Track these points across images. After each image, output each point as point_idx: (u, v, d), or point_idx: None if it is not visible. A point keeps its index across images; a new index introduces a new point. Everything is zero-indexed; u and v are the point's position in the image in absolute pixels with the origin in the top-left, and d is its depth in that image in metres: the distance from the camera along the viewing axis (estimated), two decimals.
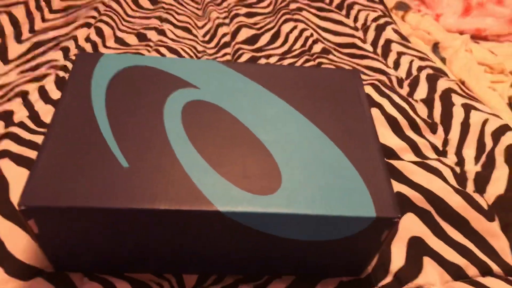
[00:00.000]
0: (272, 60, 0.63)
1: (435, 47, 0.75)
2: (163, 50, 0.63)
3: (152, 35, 0.68)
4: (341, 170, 0.33)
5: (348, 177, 0.33)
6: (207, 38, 0.70)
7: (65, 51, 0.61)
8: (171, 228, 0.31)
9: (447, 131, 0.49)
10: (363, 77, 0.59)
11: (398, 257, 0.38)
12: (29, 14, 0.69)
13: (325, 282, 0.37)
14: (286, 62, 0.62)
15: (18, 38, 0.63)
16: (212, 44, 0.68)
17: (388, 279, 0.37)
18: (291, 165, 0.33)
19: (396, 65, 0.63)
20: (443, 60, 0.72)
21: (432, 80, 0.58)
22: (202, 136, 0.34)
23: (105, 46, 0.65)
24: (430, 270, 0.37)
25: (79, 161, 0.31)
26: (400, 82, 0.58)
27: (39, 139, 0.44)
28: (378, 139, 0.36)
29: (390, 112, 0.49)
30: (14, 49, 0.60)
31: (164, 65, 0.39)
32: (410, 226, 0.40)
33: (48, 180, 0.30)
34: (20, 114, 0.48)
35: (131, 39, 0.68)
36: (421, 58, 0.64)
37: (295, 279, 0.37)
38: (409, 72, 0.61)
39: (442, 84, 0.56)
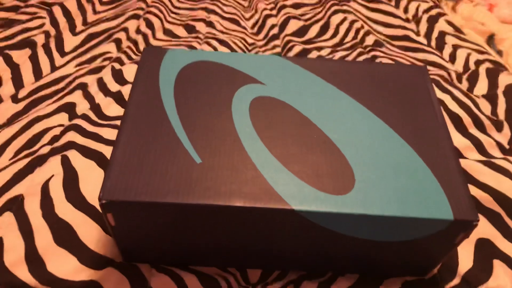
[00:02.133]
0: (324, 52, 0.62)
1: (491, 39, 0.72)
2: (213, 42, 0.63)
3: (200, 27, 0.68)
4: (415, 170, 0.32)
5: (423, 178, 0.32)
6: (255, 30, 0.70)
7: (117, 43, 0.62)
8: (241, 224, 0.32)
9: None
10: None
11: (465, 258, 0.37)
12: (80, 7, 0.70)
13: (389, 282, 0.37)
14: (338, 54, 0.61)
15: (73, 31, 0.64)
16: (261, 36, 0.68)
17: (456, 281, 0.36)
18: (363, 164, 0.32)
19: (452, 58, 0.61)
20: (499, 52, 0.69)
21: (492, 75, 0.55)
22: (271, 133, 0.34)
23: (155, 38, 0.66)
24: (501, 273, 0.36)
25: (154, 156, 0.32)
26: (459, 77, 0.56)
27: (102, 131, 0.45)
28: (450, 138, 0.35)
29: (452, 108, 0.48)
30: (69, 42, 0.62)
31: (228, 60, 0.39)
32: (477, 227, 0.39)
33: (126, 175, 0.30)
34: (82, 106, 0.49)
35: (180, 31, 0.68)
36: (478, 51, 0.62)
37: (359, 277, 0.37)
38: (466, 66, 0.59)
39: (504, 79, 0.54)
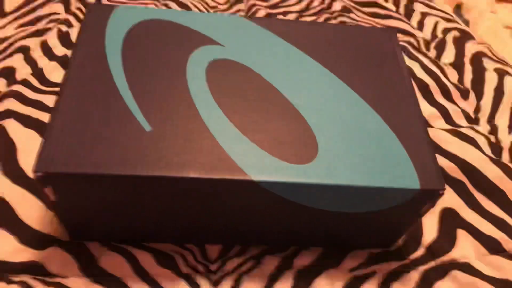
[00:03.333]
0: (290, 18, 0.59)
1: (458, 8, 0.71)
2: (172, 5, 0.59)
3: None
4: (381, 138, 0.31)
5: (389, 146, 0.30)
6: None
7: (66, 3, 0.57)
8: (197, 197, 0.29)
9: (479, 97, 0.47)
10: None
11: (430, 229, 0.37)
12: None
13: (353, 254, 0.35)
14: (305, 20, 0.58)
15: None
16: (223, 0, 0.64)
17: (420, 252, 0.36)
18: (327, 132, 0.30)
19: (421, 26, 0.60)
20: (466, 22, 0.68)
21: (459, 43, 0.54)
22: (229, 98, 0.31)
23: None
24: (464, 243, 0.36)
25: (97, 124, 0.28)
26: (427, 44, 0.55)
27: (45, 98, 0.41)
28: (418, 105, 0.33)
29: (420, 76, 0.47)
30: (11, 1, 0.56)
31: (183, 19, 0.36)
32: (442, 197, 0.38)
33: (65, 145, 0.27)
34: (23, 71, 0.44)
35: None
36: (446, 20, 0.60)
37: (322, 251, 0.35)
38: (434, 34, 0.58)
39: (471, 48, 0.53)
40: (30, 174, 0.35)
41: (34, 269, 0.31)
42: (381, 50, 0.37)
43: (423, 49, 0.54)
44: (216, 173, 0.27)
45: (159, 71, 0.32)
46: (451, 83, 0.48)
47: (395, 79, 0.35)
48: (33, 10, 0.55)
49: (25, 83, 0.42)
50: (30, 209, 0.34)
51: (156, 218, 0.31)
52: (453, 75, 0.49)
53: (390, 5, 0.64)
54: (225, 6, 0.62)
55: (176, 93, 0.31)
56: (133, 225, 0.32)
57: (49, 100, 0.41)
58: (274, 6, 0.62)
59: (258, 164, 0.28)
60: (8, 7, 0.55)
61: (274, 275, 0.33)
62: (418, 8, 0.63)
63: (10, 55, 0.45)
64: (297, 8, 0.61)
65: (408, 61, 0.49)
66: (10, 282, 0.30)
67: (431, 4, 0.64)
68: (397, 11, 0.63)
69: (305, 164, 0.29)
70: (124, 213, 0.31)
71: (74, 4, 0.57)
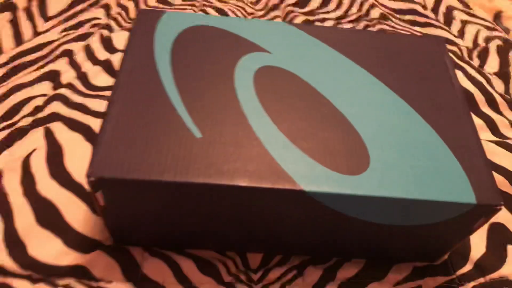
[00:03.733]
0: (327, 25, 0.58)
1: (498, 16, 0.69)
2: (210, 10, 0.59)
3: None
4: (434, 150, 0.30)
5: (443, 158, 0.29)
6: None
7: (106, 8, 0.58)
8: (244, 206, 0.29)
9: None
10: None
11: (477, 244, 0.35)
12: None
13: (397, 268, 0.35)
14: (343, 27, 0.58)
15: None
16: (260, 6, 0.64)
17: (468, 267, 0.34)
18: (378, 142, 0.30)
19: (461, 34, 0.58)
20: (506, 30, 0.66)
21: (503, 52, 0.53)
22: (277, 106, 0.31)
23: (147, 5, 0.61)
24: None
25: (148, 130, 0.28)
26: (469, 53, 0.54)
27: (90, 102, 0.41)
28: (470, 115, 0.32)
29: (465, 85, 0.45)
30: (54, 6, 0.57)
31: (230, 26, 0.36)
32: None
33: (117, 151, 0.27)
34: (68, 74, 0.45)
35: None
36: (487, 28, 0.59)
37: (366, 263, 0.35)
38: (475, 43, 0.56)
39: None
40: (77, 178, 0.36)
41: (78, 272, 0.31)
42: (429, 59, 0.36)
43: (466, 57, 0.53)
44: (266, 182, 0.27)
45: (207, 77, 0.32)
46: (497, 93, 0.46)
47: (446, 89, 0.34)
48: (75, 15, 0.56)
49: (71, 86, 0.43)
50: (76, 212, 0.34)
51: (199, 224, 0.31)
52: (498, 84, 0.48)
53: (429, 13, 0.62)
54: (262, 12, 0.62)
55: (225, 100, 0.31)
56: (176, 231, 0.32)
57: (94, 104, 0.41)
58: (311, 13, 0.62)
59: (309, 174, 0.28)
60: (51, 11, 0.56)
61: (317, 286, 0.33)
62: (458, 16, 0.62)
63: (55, 58, 0.46)
64: (334, 15, 0.61)
65: None
66: (55, 285, 0.31)
67: (471, 12, 0.63)
68: (436, 19, 0.61)
69: (357, 175, 0.28)
70: (169, 219, 0.31)
71: (115, 10, 0.58)
